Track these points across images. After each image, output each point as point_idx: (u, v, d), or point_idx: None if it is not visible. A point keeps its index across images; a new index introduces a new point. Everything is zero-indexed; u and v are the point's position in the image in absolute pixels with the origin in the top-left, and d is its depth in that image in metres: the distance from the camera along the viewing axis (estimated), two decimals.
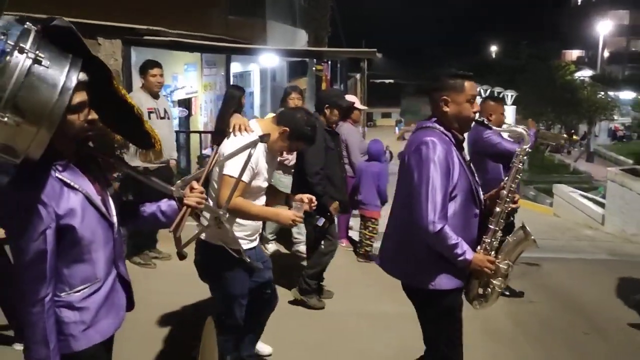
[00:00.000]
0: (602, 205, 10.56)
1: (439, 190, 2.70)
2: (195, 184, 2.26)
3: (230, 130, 3.27)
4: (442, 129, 2.87)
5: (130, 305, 2.25)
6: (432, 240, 2.74)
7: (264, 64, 13.95)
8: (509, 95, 19.19)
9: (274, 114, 3.63)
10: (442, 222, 2.69)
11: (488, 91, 20.28)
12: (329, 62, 10.45)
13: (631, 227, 9.05)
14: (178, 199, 2.25)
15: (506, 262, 2.89)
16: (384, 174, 6.18)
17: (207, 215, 2.78)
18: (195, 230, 2.54)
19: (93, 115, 1.92)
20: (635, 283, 5.74)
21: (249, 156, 2.72)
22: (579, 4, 52.00)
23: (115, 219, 2.08)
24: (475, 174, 2.96)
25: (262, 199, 3.36)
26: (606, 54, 44.97)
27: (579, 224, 10.81)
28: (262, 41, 12.78)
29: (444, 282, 2.83)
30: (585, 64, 44.09)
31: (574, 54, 50.12)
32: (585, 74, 36.98)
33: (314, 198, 3.29)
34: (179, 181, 2.28)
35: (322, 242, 4.86)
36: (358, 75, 14.26)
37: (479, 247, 2.87)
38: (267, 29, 13.76)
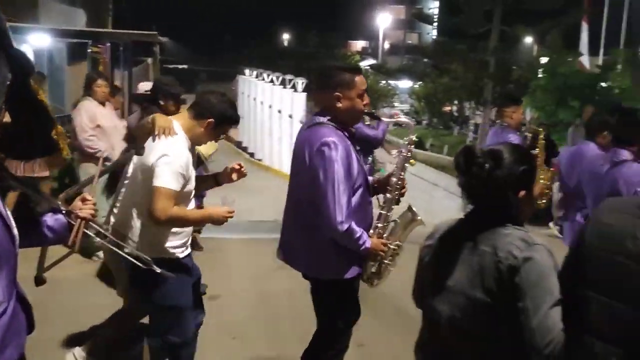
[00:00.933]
0: None
1: (343, 192, 2.80)
2: (87, 196, 2.08)
3: (156, 133, 2.95)
4: (335, 125, 2.91)
5: (30, 327, 1.89)
6: (340, 239, 2.87)
7: (36, 44, 12.68)
8: (300, 82, 19.72)
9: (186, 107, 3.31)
10: (348, 222, 2.82)
11: (280, 78, 20.65)
12: (109, 45, 9.79)
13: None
14: (67, 213, 2.02)
15: (396, 242, 3.09)
16: None
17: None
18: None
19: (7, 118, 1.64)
20: None
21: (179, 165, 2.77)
22: None
23: (16, 232, 1.74)
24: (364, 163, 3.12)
25: (193, 202, 3.16)
26: (387, 45, 48.80)
27: None
28: (33, 19, 11.58)
29: (349, 272, 2.99)
30: (369, 54, 47.34)
31: (359, 44, 53.50)
32: (369, 63, 39.66)
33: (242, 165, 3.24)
34: (62, 194, 2.15)
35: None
36: (150, 60, 13.60)
37: (371, 231, 3.05)
38: (39, 6, 12.51)
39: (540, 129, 6.13)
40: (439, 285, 2.03)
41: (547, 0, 16.34)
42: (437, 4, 39.46)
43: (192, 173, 3.04)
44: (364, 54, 45.85)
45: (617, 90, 16.89)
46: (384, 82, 34.34)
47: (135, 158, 3.06)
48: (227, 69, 37.08)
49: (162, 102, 4.54)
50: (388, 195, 3.12)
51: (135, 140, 3.22)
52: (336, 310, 3.13)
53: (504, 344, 1.87)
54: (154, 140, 2.96)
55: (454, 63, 17.90)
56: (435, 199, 11.37)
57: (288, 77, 19.65)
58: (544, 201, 5.56)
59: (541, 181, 5.40)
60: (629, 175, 3.78)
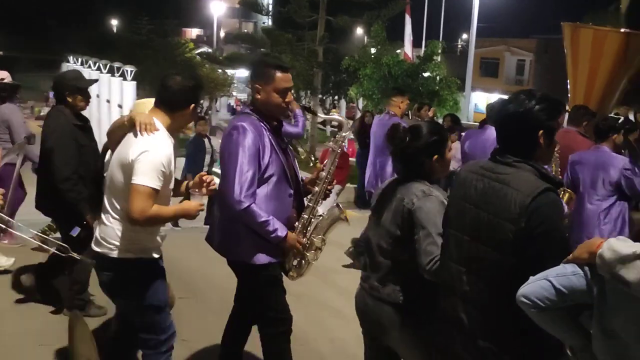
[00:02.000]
0: None
1: (245, 172, 2.89)
2: None
3: (137, 129, 2.77)
4: (256, 115, 3.04)
5: None
6: (242, 218, 2.97)
7: None
8: (129, 70, 18.78)
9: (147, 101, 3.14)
10: (249, 200, 2.91)
11: (107, 66, 19.54)
12: None
13: None
14: None
15: (320, 237, 3.24)
16: None
17: None
18: None
19: None
20: None
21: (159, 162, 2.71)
22: None
23: None
24: (293, 157, 3.26)
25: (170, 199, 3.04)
26: (223, 34, 48.30)
27: None
28: None
29: (262, 257, 3.06)
30: (204, 42, 46.52)
31: (193, 32, 52.42)
32: (205, 51, 38.97)
33: (211, 178, 3.03)
34: None
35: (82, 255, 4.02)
36: None
37: (297, 223, 3.19)
38: None
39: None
40: (375, 222, 2.81)
41: None
42: None
43: (173, 170, 2.91)
44: (199, 42, 45.01)
45: (438, 79, 18.24)
46: (220, 70, 33.97)
47: (115, 154, 2.89)
48: (53, 57, 34.53)
49: (69, 100, 4.28)
50: (316, 188, 3.25)
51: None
52: (264, 299, 3.22)
53: (408, 265, 2.61)
54: (135, 136, 2.80)
55: (284, 52, 18.13)
56: None
57: (116, 64, 18.68)
58: None
59: None
60: None
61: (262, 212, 2.96)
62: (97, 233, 2.95)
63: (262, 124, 3.05)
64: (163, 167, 2.76)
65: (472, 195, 2.32)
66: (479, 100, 38.76)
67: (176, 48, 33.76)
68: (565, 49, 6.94)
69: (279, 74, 3.04)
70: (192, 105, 2.96)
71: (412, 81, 17.44)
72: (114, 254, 2.85)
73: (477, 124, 6.62)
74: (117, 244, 2.84)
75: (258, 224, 2.96)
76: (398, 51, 18.81)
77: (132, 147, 2.78)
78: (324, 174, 3.28)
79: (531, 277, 2.03)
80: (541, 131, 2.24)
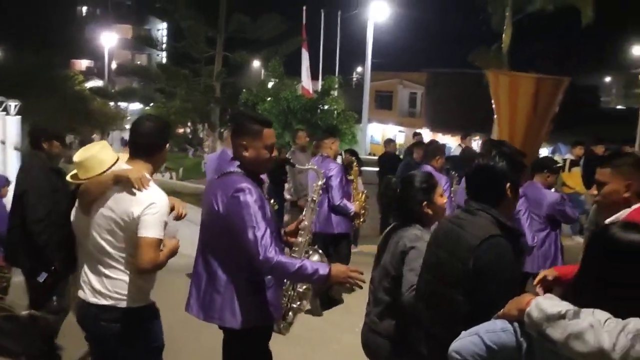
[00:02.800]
0: None
1: (263, 230, 2.87)
2: None
3: (136, 186, 2.85)
4: (244, 172, 3.04)
5: None
6: (274, 274, 3.01)
7: None
8: (13, 105, 17.67)
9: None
10: (276, 255, 2.87)
11: None
12: None
13: None
14: None
15: (305, 286, 3.38)
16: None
17: None
18: None
19: None
20: None
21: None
22: (84, 15, 52.58)
23: None
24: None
25: None
26: (114, 65, 46.79)
27: None
28: None
29: (252, 320, 3.04)
30: (95, 74, 44.80)
31: (83, 63, 50.39)
32: (96, 84, 37.52)
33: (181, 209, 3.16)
34: None
35: (49, 302, 4.21)
36: None
37: None
38: None
39: (353, 158, 7.42)
40: (377, 262, 3.19)
41: (266, 30, 17.15)
42: (165, 24, 39.10)
43: None
44: (89, 74, 43.29)
45: (335, 113, 18.57)
46: (112, 104, 32.82)
47: (106, 211, 2.93)
48: None
49: (45, 146, 4.36)
50: (300, 239, 3.38)
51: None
52: None
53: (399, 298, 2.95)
54: (131, 193, 2.89)
55: (179, 87, 17.77)
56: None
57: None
58: (362, 220, 6.54)
59: (357, 202, 6.44)
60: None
61: (292, 260, 2.98)
62: (96, 286, 2.98)
63: (253, 181, 3.08)
64: (165, 217, 2.93)
65: (439, 237, 2.64)
66: (375, 132, 39.90)
67: (65, 80, 32.25)
68: (491, 94, 7.50)
69: (266, 130, 3.08)
70: (166, 144, 3.12)
71: (311, 116, 17.64)
72: (124, 304, 2.95)
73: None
74: (127, 293, 2.95)
75: (293, 273, 2.92)
76: (297, 85, 19.01)
77: (133, 203, 2.88)
78: (306, 223, 3.42)
79: (462, 332, 2.09)
80: (508, 184, 2.50)
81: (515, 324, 1.97)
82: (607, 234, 1.91)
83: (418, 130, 16.74)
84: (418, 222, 3.06)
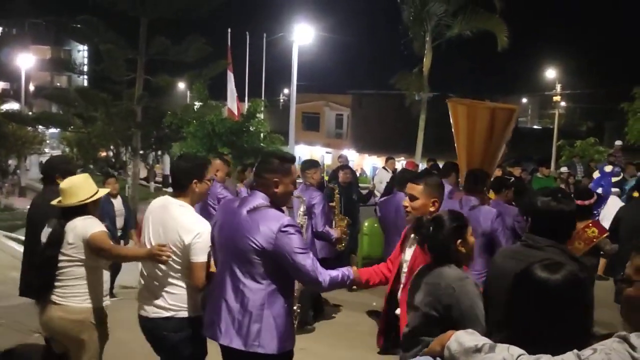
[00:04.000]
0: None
1: (312, 256, 3.19)
2: None
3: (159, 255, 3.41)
4: (274, 207, 3.26)
5: None
6: (330, 288, 3.34)
7: None
8: None
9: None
10: (325, 275, 3.21)
11: None
12: None
13: None
14: None
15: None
16: None
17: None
18: None
19: None
20: None
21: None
22: (0, 35, 50.43)
23: None
24: None
25: None
26: (32, 87, 44.98)
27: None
28: None
29: (291, 342, 3.29)
30: (10, 96, 42.88)
31: None
32: (12, 106, 35.89)
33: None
34: None
35: None
36: None
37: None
38: None
39: (335, 186, 7.69)
40: (410, 302, 3.01)
41: (190, 52, 16.86)
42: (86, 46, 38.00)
43: None
44: (5, 96, 41.38)
45: (262, 136, 18.48)
46: (30, 127, 31.44)
47: (159, 236, 3.52)
48: None
49: (59, 181, 4.32)
50: None
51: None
52: None
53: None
54: (182, 224, 3.45)
55: (99, 111, 17.19)
56: None
57: None
58: (343, 245, 6.61)
59: (338, 228, 6.62)
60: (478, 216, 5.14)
61: (333, 273, 3.29)
62: (157, 302, 3.48)
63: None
64: (209, 242, 3.40)
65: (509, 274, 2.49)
66: (303, 154, 40.05)
67: None
68: (451, 121, 7.94)
69: (293, 167, 3.37)
70: (201, 179, 3.59)
71: (237, 138, 17.47)
72: (184, 313, 3.47)
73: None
74: (187, 305, 3.48)
75: (339, 284, 3.34)
76: (223, 108, 18.81)
77: (183, 232, 3.42)
78: None
79: None
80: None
81: (438, 359, 2.03)
82: (531, 275, 1.94)
83: (343, 152, 16.89)
84: (452, 262, 2.93)
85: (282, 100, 45.50)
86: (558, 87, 33.92)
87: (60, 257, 3.83)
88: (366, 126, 38.61)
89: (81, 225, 3.82)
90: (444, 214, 3.06)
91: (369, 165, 34.74)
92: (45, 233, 3.93)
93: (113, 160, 33.44)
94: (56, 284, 3.84)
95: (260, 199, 3.24)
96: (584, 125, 44.04)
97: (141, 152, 22.33)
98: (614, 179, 10.66)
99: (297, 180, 3.98)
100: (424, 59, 19.37)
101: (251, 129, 18.16)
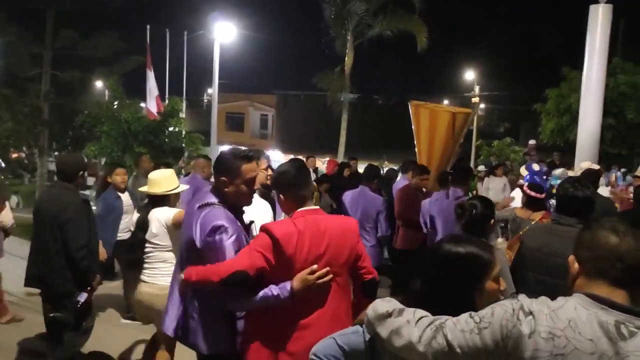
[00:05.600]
0: None
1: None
2: None
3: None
4: (226, 206, 3.12)
5: None
6: (246, 308, 3.00)
7: None
8: None
9: None
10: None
11: None
12: None
13: None
14: None
15: None
16: None
17: None
18: None
19: None
20: None
21: None
22: None
23: None
24: None
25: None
26: None
27: None
28: None
29: (225, 347, 3.12)
30: None
31: None
32: None
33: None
34: None
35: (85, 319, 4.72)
36: None
37: None
38: None
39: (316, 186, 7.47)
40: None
41: (102, 48, 16.09)
42: None
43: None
44: None
45: (183, 135, 17.88)
46: None
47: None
48: None
49: (80, 179, 4.83)
50: None
51: None
52: None
53: None
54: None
55: (1, 109, 16.14)
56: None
57: None
58: None
59: None
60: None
61: (265, 290, 2.92)
62: None
63: (234, 214, 3.14)
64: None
65: (552, 245, 3.49)
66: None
67: None
68: (412, 122, 8.63)
69: (244, 166, 3.16)
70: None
71: (155, 137, 16.81)
72: None
73: None
74: None
75: (259, 302, 2.89)
76: (142, 106, 18.09)
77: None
78: None
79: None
80: None
81: (364, 326, 2.16)
82: (439, 248, 2.16)
83: (268, 153, 16.60)
84: (484, 237, 3.46)
85: (206, 100, 44.66)
86: (477, 89, 34.88)
87: (147, 243, 4.53)
88: (291, 126, 38.48)
89: (161, 216, 4.51)
90: (479, 201, 3.69)
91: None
92: (134, 219, 4.79)
93: (26, 161, 31.68)
94: (145, 265, 4.53)
95: (211, 197, 3.20)
96: (502, 127, 45.65)
97: (56, 152, 21.16)
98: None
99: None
100: (346, 58, 19.36)
101: (170, 128, 17.53)
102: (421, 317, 1.96)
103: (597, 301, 1.80)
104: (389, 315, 2.00)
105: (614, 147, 21.13)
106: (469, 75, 36.40)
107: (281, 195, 3.12)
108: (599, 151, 10.42)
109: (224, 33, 22.06)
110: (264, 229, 2.93)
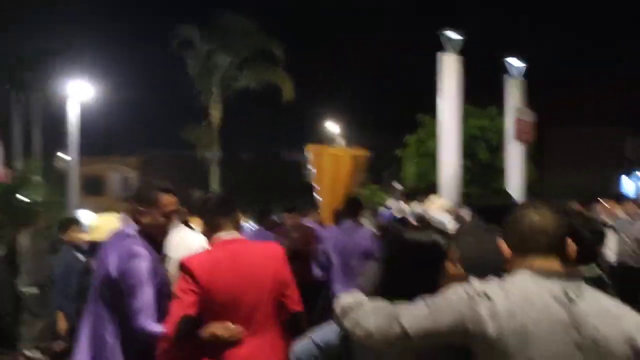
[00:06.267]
0: None
1: (147, 298, 2.93)
2: None
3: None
4: (142, 236, 3.10)
5: None
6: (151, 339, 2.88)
7: None
8: None
9: None
10: (155, 325, 2.86)
11: None
12: None
13: None
14: None
15: None
16: None
17: None
18: None
19: None
20: None
21: None
22: None
23: None
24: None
25: None
26: None
27: None
28: None
29: None
30: None
31: None
32: None
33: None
34: None
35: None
36: None
37: None
38: None
39: None
40: None
41: None
42: None
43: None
44: None
45: (38, 202, 16.52)
46: None
47: None
48: None
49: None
50: None
51: None
52: None
53: None
54: None
55: None
56: None
57: None
58: None
59: None
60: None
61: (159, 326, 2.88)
62: None
63: (151, 245, 3.10)
64: None
65: None
66: (87, 218, 37.14)
67: None
68: (311, 165, 9.17)
69: (163, 197, 3.14)
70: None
71: (6, 204, 15.39)
72: None
73: None
74: None
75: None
76: None
77: None
78: None
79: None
80: None
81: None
82: (401, 238, 2.25)
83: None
84: None
85: (60, 164, 42.10)
86: (341, 140, 35.98)
87: None
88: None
89: None
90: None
91: None
92: None
93: None
94: None
95: (130, 227, 3.20)
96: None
97: None
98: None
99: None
100: (212, 111, 19.19)
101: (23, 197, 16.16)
102: (378, 307, 2.04)
103: (539, 273, 1.93)
104: (351, 307, 2.07)
105: (471, 188, 22.55)
106: (332, 126, 37.53)
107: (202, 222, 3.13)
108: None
109: (80, 93, 21.05)
110: (180, 264, 2.88)
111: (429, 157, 22.85)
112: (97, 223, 4.36)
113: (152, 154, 39.18)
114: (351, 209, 6.56)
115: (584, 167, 30.39)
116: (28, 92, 26.29)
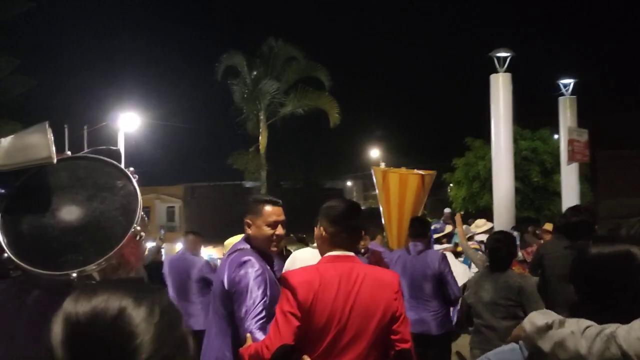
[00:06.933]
0: None
1: (259, 304, 2.92)
2: None
3: None
4: (253, 249, 3.17)
5: None
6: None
7: None
8: None
9: None
10: (259, 332, 2.81)
11: None
12: None
13: None
14: None
15: None
16: None
17: None
18: None
19: None
20: None
21: None
22: None
23: None
24: None
25: None
26: None
27: None
28: None
29: None
30: None
31: None
32: None
33: None
34: None
35: None
36: None
37: None
38: None
39: None
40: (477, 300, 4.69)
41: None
42: None
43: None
44: None
45: None
46: None
47: None
48: None
49: None
50: None
51: None
52: None
53: None
54: None
55: None
56: None
57: None
58: None
59: None
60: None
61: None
62: None
63: (262, 257, 3.14)
64: None
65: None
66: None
67: None
68: (376, 187, 9.07)
69: (266, 207, 3.20)
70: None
71: None
72: None
73: None
74: None
75: None
76: None
77: None
78: None
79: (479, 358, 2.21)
80: None
81: (521, 342, 2.01)
82: (583, 253, 2.04)
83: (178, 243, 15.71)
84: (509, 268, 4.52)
85: None
86: (382, 165, 35.72)
87: None
88: (198, 215, 37.52)
89: None
90: (507, 235, 4.78)
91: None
92: None
93: None
94: None
95: (241, 243, 3.28)
96: None
97: None
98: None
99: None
100: (260, 137, 19.17)
101: None
102: (587, 327, 1.83)
103: None
104: (549, 327, 1.87)
105: (523, 211, 21.88)
106: (374, 152, 37.29)
107: (322, 229, 2.79)
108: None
109: (127, 123, 21.33)
110: (282, 278, 2.69)
111: (478, 181, 22.37)
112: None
113: (195, 185, 39.53)
114: (419, 230, 6.23)
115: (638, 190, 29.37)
116: (81, 126, 26.86)
